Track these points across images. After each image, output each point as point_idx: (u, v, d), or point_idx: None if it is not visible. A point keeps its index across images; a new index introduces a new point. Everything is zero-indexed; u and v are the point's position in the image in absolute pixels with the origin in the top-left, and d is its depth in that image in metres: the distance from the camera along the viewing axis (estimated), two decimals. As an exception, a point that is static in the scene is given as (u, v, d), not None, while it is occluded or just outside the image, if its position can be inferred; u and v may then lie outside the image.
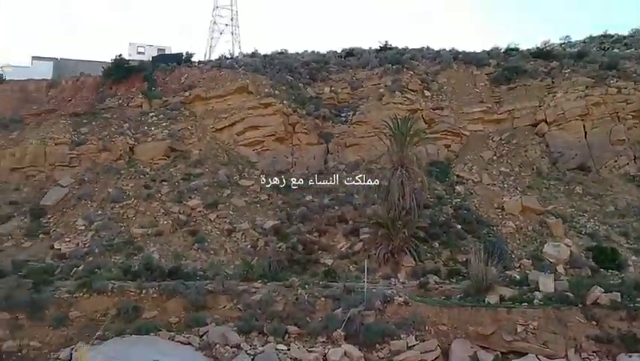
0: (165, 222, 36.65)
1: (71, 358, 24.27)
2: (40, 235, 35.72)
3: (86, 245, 34.37)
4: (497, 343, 25.34)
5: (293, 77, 52.53)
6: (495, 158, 44.83)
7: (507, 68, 51.01)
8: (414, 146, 37.11)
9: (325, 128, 46.97)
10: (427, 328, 26.41)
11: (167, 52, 60.86)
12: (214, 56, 63.30)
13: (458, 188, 41.55)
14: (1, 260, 32.98)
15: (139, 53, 62.18)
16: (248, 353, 24.42)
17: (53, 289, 28.47)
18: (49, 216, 37.60)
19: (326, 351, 24.96)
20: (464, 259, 32.94)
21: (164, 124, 45.94)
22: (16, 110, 48.28)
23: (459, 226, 36.77)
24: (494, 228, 37.18)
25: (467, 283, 29.09)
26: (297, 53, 61.17)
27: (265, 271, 31.26)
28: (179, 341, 25.43)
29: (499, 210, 39.02)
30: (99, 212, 37.57)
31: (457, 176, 43.01)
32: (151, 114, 47.15)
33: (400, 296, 28.01)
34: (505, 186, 41.84)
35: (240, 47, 75.61)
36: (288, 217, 37.99)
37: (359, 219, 37.09)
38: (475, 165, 43.92)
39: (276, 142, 45.64)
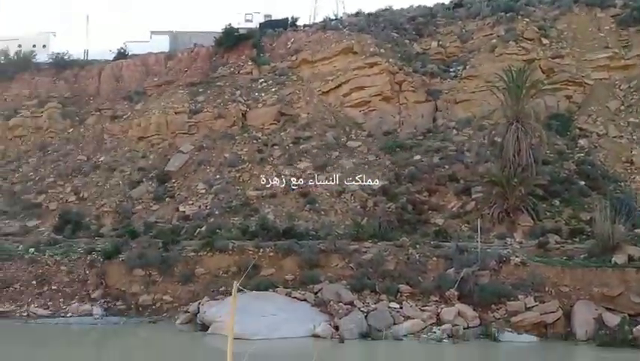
0: (278, 184, 37.90)
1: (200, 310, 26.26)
2: (167, 199, 38.49)
3: (207, 207, 36.54)
4: (624, 305, 24.03)
5: (398, 33, 51.20)
6: (623, 108, 41.15)
7: (636, 8, 46.04)
8: (531, 99, 35.00)
9: (433, 84, 45.57)
10: (547, 289, 25.39)
11: (273, 18, 61.70)
12: (319, 19, 63.11)
13: (581, 142, 38.83)
14: (134, 222, 36.12)
15: (247, 20, 63.45)
16: (361, 310, 24.98)
17: (180, 249, 30.80)
18: (173, 181, 40.32)
19: (439, 310, 24.89)
20: (588, 218, 30.96)
21: (273, 89, 47.05)
22: (139, 82, 51.73)
23: (582, 183, 34.52)
24: (622, 183, 34.60)
25: (592, 242, 27.42)
26: (402, 9, 59.25)
27: (375, 231, 31.44)
28: (295, 298, 26.55)
29: (628, 165, 36.25)
30: (217, 176, 39.65)
31: (580, 129, 40.12)
32: (260, 80, 48.44)
33: (516, 256, 27.05)
34: (635, 138, 38.48)
35: (344, 7, 74.95)
36: (397, 177, 37.71)
37: (471, 178, 35.94)
38: (600, 116, 40.64)
39: (382, 102, 45.08)
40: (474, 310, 24.78)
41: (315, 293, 26.67)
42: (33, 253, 31.49)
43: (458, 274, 25.78)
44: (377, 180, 37.55)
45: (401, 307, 25.35)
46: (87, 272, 30.38)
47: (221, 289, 28.07)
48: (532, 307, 24.57)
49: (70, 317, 28.02)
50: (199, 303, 27.04)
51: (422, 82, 45.57)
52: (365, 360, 19.71)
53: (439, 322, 24.35)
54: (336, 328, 23.83)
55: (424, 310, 25.17)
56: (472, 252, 27.36)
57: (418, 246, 28.90)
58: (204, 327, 25.01)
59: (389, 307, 25.33)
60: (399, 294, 26.27)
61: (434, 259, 27.92)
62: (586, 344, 23.11)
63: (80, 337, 24.89)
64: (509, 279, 25.99)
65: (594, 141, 38.75)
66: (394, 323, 24.24)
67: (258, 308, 23.86)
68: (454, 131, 41.54)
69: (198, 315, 26.27)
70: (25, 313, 28.50)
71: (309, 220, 34.55)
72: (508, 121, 33.60)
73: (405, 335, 23.54)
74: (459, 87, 44.43)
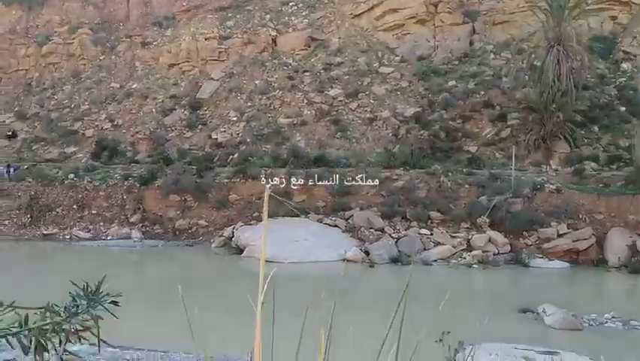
0: (309, 112, 37.67)
1: (232, 234, 27.02)
2: (199, 126, 38.79)
3: (239, 135, 36.76)
4: (660, 233, 23.58)
5: (435, -49, 48.60)
6: (673, 29, 38.78)
7: None
8: (573, 20, 33.24)
9: (471, 5, 43.58)
10: (580, 216, 25.13)
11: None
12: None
13: (624, 65, 37.04)
14: (168, 149, 36.70)
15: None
16: (391, 237, 25.31)
17: (214, 175, 31.34)
18: (205, 108, 40.46)
19: (470, 237, 25.01)
20: (627, 145, 30.05)
21: (303, 13, 45.84)
22: (168, 7, 50.98)
23: (623, 108, 33.23)
24: (665, 109, 33.06)
25: (630, 169, 26.75)
26: None
27: (407, 158, 31.25)
28: (326, 224, 26.98)
29: (674, 90, 34.41)
30: (248, 103, 39.57)
31: (624, 52, 38.16)
32: (291, 4, 47.15)
33: (551, 184, 26.66)
34: (684, 61, 36.44)
35: None
36: (430, 104, 36.97)
37: (507, 104, 34.99)
38: (647, 38, 38.50)
39: (416, 25, 43.52)
40: (505, 237, 24.83)
41: (346, 220, 27.05)
42: (72, 179, 32.54)
43: (490, 202, 25.66)
44: (410, 107, 36.94)
45: (431, 234, 25.56)
46: (125, 197, 31.35)
47: (254, 215, 28.71)
48: (565, 234, 24.46)
49: (111, 239, 29.23)
50: (233, 228, 27.81)
51: (459, 3, 43.62)
52: (395, 283, 20.14)
53: (469, 248, 24.54)
54: (367, 253, 24.28)
55: (454, 237, 25.33)
56: (506, 179, 27.06)
57: (450, 173, 28.69)
58: (239, 250, 25.79)
59: (419, 233, 25.57)
60: (429, 221, 26.42)
61: (466, 186, 27.74)
62: (617, 270, 23.07)
63: (122, 258, 26.01)
64: (543, 206, 25.76)
65: (638, 64, 36.93)
66: (424, 249, 24.54)
67: (290, 234, 24.36)
68: (492, 55, 40.12)
69: (233, 239, 27.06)
70: (68, 236, 29.89)
71: (340, 148, 34.49)
72: (548, 44, 32.18)
73: (434, 261, 23.86)
74: (498, 8, 42.43)
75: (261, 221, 27.42)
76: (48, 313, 1.58)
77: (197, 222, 29.97)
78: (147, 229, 30.23)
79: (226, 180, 30.84)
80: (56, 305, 1.61)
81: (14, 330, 1.48)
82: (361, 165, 30.51)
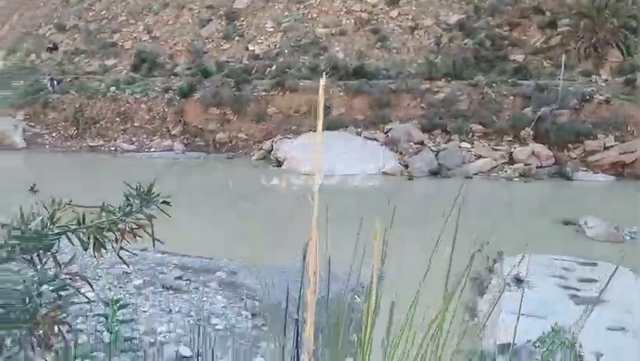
0: (348, 21, 36.48)
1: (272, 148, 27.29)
2: (236, 37, 38.18)
3: (276, 46, 36.10)
4: None
5: None
6: None
7: None
8: None
9: None
10: (629, 129, 24.25)
11: None
12: None
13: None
14: (206, 61, 36.47)
15: None
16: (431, 150, 25.07)
17: (252, 88, 31.21)
18: (242, 18, 39.60)
19: (512, 150, 24.58)
20: (687, 53, 28.26)
21: None
22: None
23: (685, 13, 30.92)
24: None
25: (687, 80, 25.30)
26: None
27: (449, 69, 30.25)
28: (365, 137, 26.85)
29: None
30: (285, 13, 38.50)
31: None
32: None
33: (600, 94, 25.57)
34: None
35: None
36: (476, 10, 35.15)
37: (558, 10, 32.95)
38: None
39: None
40: (549, 149, 24.28)
41: (385, 133, 26.82)
42: (114, 92, 32.99)
43: (535, 114, 24.92)
44: (454, 14, 35.26)
45: (472, 147, 25.22)
46: (166, 110, 31.74)
47: (292, 128, 28.75)
48: (612, 146, 23.75)
49: (154, 151, 29.95)
50: (272, 141, 28.02)
51: None
52: (434, 194, 20.24)
53: (512, 161, 24.19)
54: (406, 166, 24.23)
55: (496, 150, 24.95)
56: (553, 90, 26.07)
57: (494, 85, 27.78)
58: (278, 163, 26.13)
59: (460, 146, 25.25)
60: (471, 134, 25.98)
61: (511, 98, 26.91)
62: (664, 184, 22.47)
63: (165, 168, 26.72)
64: (590, 118, 24.90)
65: None
66: (465, 162, 24.31)
67: (328, 146, 24.37)
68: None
69: (272, 152, 27.35)
70: (113, 148, 30.76)
71: (380, 59, 33.59)
72: (607, -58, 29.70)
73: (475, 174, 23.67)
74: None
75: (299, 134, 27.49)
76: (104, 213, 1.61)
77: (237, 135, 30.27)
78: (189, 141, 30.76)
79: (264, 93, 30.72)
80: (111, 205, 1.64)
81: (73, 227, 1.52)
82: (401, 77, 29.76)
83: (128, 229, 1.64)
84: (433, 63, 31.31)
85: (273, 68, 33.39)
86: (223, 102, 30.57)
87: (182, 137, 30.96)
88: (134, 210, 1.63)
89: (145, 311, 7.62)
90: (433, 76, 29.78)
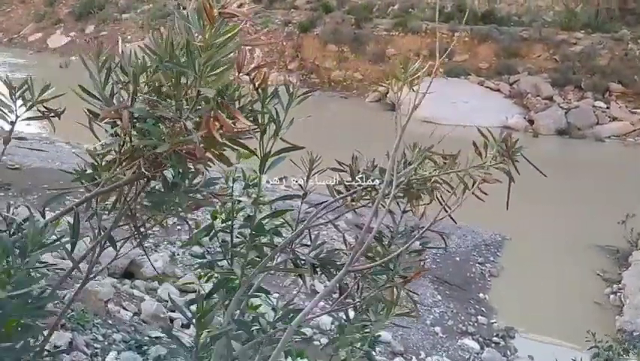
0: (480, -40, 34.10)
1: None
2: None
3: (402, -17, 34.63)
4: None
5: None
6: None
7: None
8: None
9: None
10: None
11: None
12: None
13: None
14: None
15: None
16: (561, 107, 23.33)
17: (372, 27, 30.36)
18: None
19: (655, 114, 22.35)
20: None
21: None
22: None
23: None
24: None
25: None
26: None
27: (590, 19, 27.65)
28: (488, 87, 25.52)
29: None
30: (412, -51, 36.63)
31: None
32: None
33: None
34: None
35: None
36: (629, -45, 31.50)
37: None
38: None
39: None
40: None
41: (511, 84, 25.27)
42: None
43: (688, 77, 22.32)
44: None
45: (608, 108, 23.21)
46: (284, 44, 31.76)
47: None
48: None
49: (270, 85, 30.26)
50: (389, 83, 27.31)
51: None
52: (560, 156, 18.94)
53: (652, 127, 22.02)
54: (531, 122, 22.77)
55: (634, 113, 22.83)
56: None
57: (640, 41, 25.11)
58: (392, 107, 25.48)
59: (594, 106, 23.31)
60: (607, 93, 23.87)
61: (659, 56, 24.24)
62: None
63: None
64: None
65: None
66: (597, 123, 22.44)
67: (448, 94, 23.41)
68: None
69: (388, 95, 26.69)
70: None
71: (513, 4, 31.23)
72: None
73: (608, 137, 21.82)
74: None
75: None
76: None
77: (353, 74, 29.81)
78: (304, 77, 30.72)
79: (384, 33, 29.83)
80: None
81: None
82: (535, 25, 27.61)
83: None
84: (572, 11, 28.69)
85: (396, 7, 32.19)
86: (342, 39, 30.06)
87: (299, 72, 30.98)
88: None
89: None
90: (572, 26, 27.34)
